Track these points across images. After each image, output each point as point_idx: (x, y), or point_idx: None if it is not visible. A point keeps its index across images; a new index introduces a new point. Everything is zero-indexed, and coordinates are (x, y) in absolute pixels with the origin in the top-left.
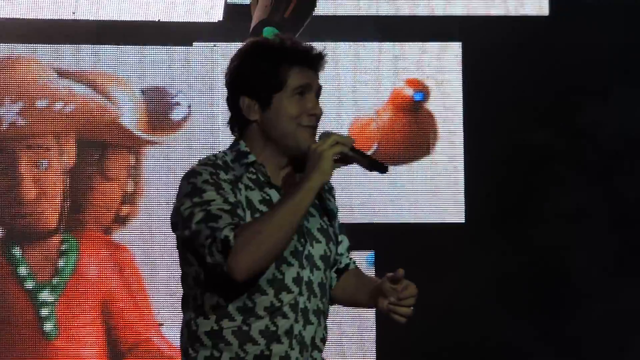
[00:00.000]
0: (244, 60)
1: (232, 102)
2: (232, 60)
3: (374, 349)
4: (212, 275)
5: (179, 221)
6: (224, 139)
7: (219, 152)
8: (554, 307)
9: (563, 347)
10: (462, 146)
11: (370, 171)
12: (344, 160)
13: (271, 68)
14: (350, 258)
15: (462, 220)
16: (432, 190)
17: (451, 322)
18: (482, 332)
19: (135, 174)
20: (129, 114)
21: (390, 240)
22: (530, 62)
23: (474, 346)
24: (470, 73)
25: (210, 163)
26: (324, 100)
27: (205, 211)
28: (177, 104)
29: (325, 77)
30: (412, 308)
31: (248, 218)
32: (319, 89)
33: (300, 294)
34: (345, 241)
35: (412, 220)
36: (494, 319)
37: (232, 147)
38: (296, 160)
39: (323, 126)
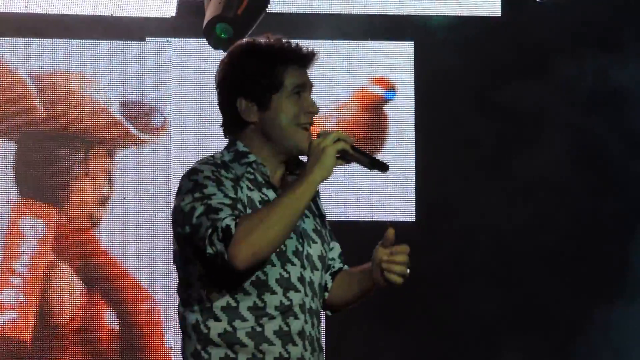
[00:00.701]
0: (238, 63)
1: (227, 104)
2: (223, 62)
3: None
4: (216, 272)
5: (179, 218)
6: (176, 134)
7: (216, 153)
8: (502, 303)
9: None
10: (413, 144)
11: (371, 170)
12: (344, 157)
13: (268, 69)
14: (342, 263)
15: (412, 219)
16: (382, 188)
17: (400, 317)
18: (431, 328)
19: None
20: (84, 108)
21: (341, 238)
22: (482, 62)
23: (424, 342)
24: (423, 72)
25: (211, 162)
26: None
27: (206, 205)
28: (135, 101)
29: None
30: (408, 270)
31: None
32: (311, 86)
33: (306, 294)
34: (336, 247)
35: (362, 218)
36: (442, 315)
37: (229, 147)
38: (290, 161)
39: None
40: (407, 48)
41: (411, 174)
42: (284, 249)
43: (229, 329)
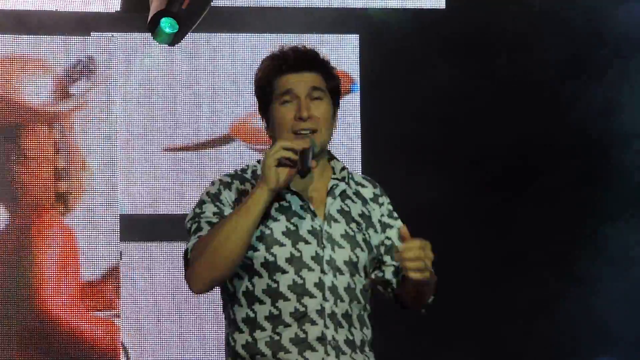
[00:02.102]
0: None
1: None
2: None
3: None
4: (233, 286)
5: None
6: (123, 129)
7: (253, 161)
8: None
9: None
10: (359, 138)
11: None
12: (286, 164)
13: (262, 82)
14: None
15: None
16: None
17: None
18: (384, 321)
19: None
20: (29, 104)
21: None
22: (427, 55)
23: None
24: (368, 66)
25: (232, 174)
26: (221, 93)
27: (196, 223)
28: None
29: (222, 69)
30: (424, 262)
31: (259, 225)
32: (311, 89)
33: (325, 299)
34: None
35: None
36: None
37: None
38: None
39: (210, 118)
40: (352, 41)
41: (357, 167)
42: (298, 254)
43: (250, 340)
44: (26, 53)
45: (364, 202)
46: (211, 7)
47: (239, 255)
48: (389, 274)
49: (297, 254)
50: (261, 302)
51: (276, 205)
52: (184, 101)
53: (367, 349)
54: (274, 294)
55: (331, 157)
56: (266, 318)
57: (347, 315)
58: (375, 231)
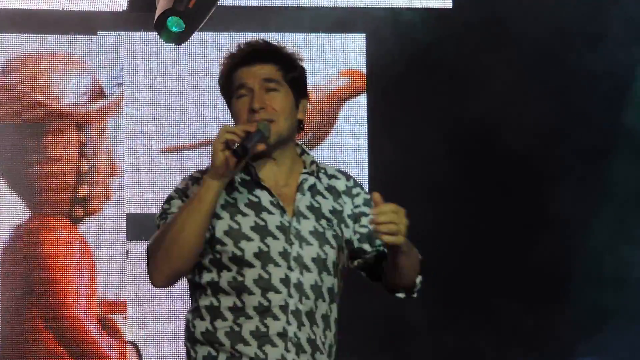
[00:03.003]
0: None
1: None
2: None
3: None
4: (200, 277)
5: None
6: (129, 128)
7: None
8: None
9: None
10: (366, 137)
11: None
12: (233, 150)
13: (221, 81)
14: (381, 246)
15: None
16: None
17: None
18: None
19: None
20: (38, 100)
21: None
22: (433, 54)
23: (351, 326)
24: (374, 65)
25: (203, 170)
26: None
27: (164, 219)
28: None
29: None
30: (396, 224)
31: (227, 220)
32: (263, 81)
33: (290, 295)
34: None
35: None
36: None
37: None
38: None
39: (216, 117)
40: (358, 40)
41: (364, 165)
42: (266, 249)
43: (210, 328)
44: (33, 52)
45: (337, 196)
46: (217, 6)
47: (196, 245)
48: (370, 260)
49: (265, 249)
50: (226, 294)
51: (246, 200)
52: (190, 100)
53: (326, 351)
54: (239, 287)
55: (303, 152)
56: (229, 309)
57: (310, 313)
58: (347, 226)
